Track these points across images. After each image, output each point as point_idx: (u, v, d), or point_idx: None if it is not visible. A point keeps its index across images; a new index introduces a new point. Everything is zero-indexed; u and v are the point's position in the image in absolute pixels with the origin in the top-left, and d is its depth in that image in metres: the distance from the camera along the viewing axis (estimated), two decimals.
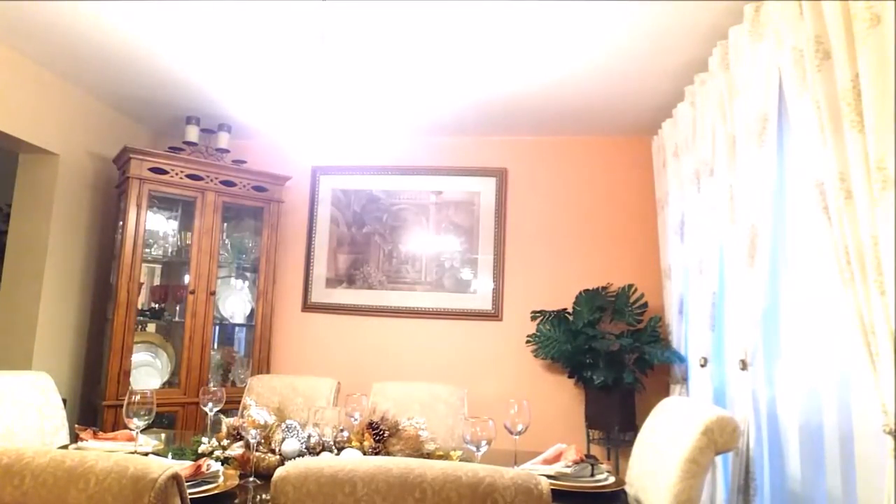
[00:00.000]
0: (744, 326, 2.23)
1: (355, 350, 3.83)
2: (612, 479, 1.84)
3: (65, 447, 2.05)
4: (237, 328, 3.82)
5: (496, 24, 2.46)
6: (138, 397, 1.87)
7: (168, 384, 3.42)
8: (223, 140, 3.66)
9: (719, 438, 1.71)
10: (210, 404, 2.23)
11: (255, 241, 3.78)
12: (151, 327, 3.60)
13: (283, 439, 1.86)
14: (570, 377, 3.45)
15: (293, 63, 2.83)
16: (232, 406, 2.43)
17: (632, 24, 2.43)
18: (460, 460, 1.90)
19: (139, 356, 3.37)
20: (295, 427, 1.91)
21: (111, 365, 3.13)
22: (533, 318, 3.58)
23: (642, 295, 3.45)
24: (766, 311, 2.19)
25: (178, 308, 3.52)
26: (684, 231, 2.97)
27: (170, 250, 3.62)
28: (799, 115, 1.82)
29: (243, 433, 1.85)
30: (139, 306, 3.32)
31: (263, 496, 1.65)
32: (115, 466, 1.07)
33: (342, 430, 1.99)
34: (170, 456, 1.98)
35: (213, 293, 3.47)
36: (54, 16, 2.56)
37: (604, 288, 3.53)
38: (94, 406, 3.30)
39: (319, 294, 3.93)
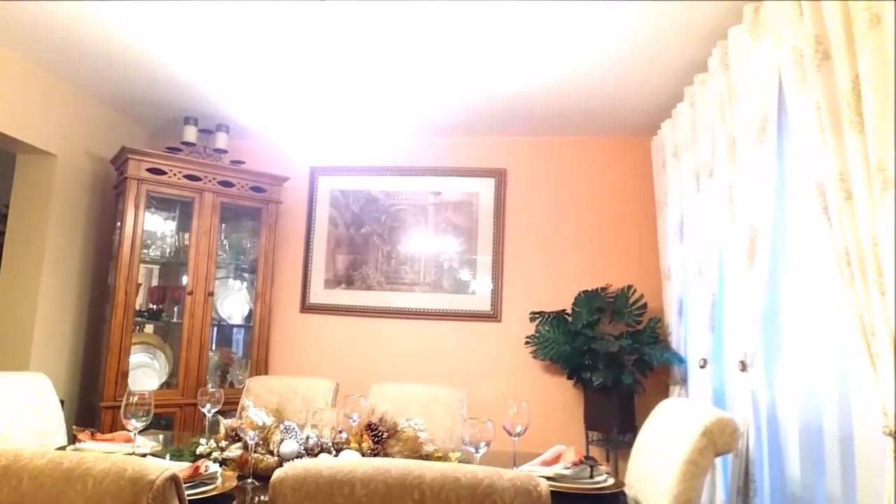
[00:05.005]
0: (743, 327, 2.23)
1: (354, 351, 3.82)
2: (611, 481, 1.83)
3: (62, 448, 2.04)
4: (235, 329, 3.82)
5: (495, 24, 2.46)
6: (136, 398, 1.87)
7: (166, 385, 3.41)
8: (221, 140, 3.65)
9: (719, 440, 1.71)
10: (208, 405, 2.22)
11: (253, 241, 3.77)
12: (149, 328, 3.59)
13: (282, 440, 1.85)
14: (569, 378, 3.44)
15: (292, 63, 2.82)
16: (230, 407, 2.42)
17: (631, 24, 2.43)
18: (459, 462, 1.89)
19: (137, 357, 3.36)
20: (293, 428, 1.90)
21: (109, 366, 3.12)
22: (532, 320, 3.58)
23: (642, 296, 3.45)
24: (765, 312, 2.19)
25: (176, 309, 3.51)
26: (684, 232, 2.97)
27: (168, 251, 3.62)
28: (799, 115, 1.81)
29: (241, 434, 1.84)
30: (137, 307, 3.31)
31: (262, 497, 1.64)
32: (113, 468, 1.06)
33: (341, 432, 1.99)
34: (168, 457, 1.97)
35: (212, 294, 3.46)
36: (53, 16, 2.55)
37: (603, 289, 3.53)
38: (91, 407, 3.29)
39: (318, 295, 3.92)
